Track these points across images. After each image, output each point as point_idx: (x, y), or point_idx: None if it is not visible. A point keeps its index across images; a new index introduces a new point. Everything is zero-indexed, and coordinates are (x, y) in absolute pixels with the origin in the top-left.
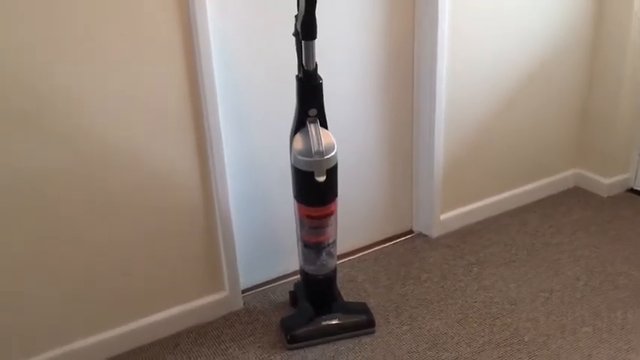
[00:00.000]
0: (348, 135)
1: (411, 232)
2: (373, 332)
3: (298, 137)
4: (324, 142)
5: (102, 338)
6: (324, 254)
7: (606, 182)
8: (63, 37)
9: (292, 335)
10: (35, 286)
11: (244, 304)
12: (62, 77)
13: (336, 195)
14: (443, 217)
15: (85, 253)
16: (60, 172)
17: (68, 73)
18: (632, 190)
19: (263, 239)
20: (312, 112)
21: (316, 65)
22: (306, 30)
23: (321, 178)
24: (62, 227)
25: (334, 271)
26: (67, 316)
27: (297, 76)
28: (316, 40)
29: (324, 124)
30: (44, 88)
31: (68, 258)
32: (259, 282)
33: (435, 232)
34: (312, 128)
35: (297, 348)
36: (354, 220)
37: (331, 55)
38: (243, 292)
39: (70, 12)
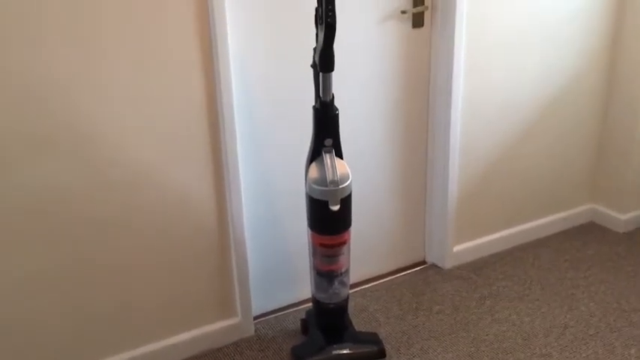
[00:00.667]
0: (362, 165)
1: (423, 262)
2: None
3: (314, 166)
4: (339, 171)
5: None
6: (336, 283)
7: (622, 218)
8: (82, 62)
9: None
10: (46, 308)
11: (256, 330)
12: (81, 101)
13: (349, 224)
14: (456, 248)
15: (97, 276)
16: (76, 194)
17: (86, 97)
18: None
19: (276, 266)
20: (328, 142)
21: (333, 96)
22: (324, 62)
23: (336, 208)
24: (75, 250)
25: (346, 300)
26: (77, 338)
27: (314, 107)
28: (333, 72)
29: (339, 154)
30: (63, 112)
31: (79, 280)
32: (271, 309)
33: (447, 264)
34: (327, 158)
35: None
36: (367, 249)
37: (347, 86)
38: (255, 318)
39: (89, 35)
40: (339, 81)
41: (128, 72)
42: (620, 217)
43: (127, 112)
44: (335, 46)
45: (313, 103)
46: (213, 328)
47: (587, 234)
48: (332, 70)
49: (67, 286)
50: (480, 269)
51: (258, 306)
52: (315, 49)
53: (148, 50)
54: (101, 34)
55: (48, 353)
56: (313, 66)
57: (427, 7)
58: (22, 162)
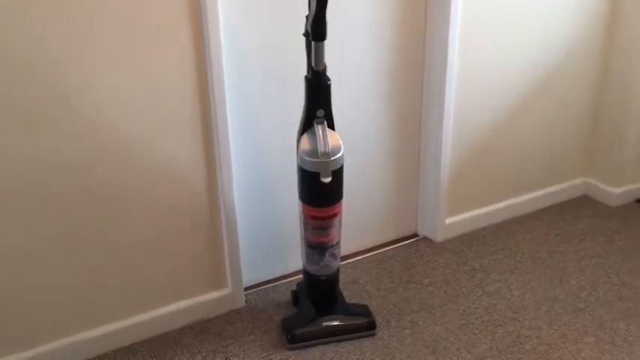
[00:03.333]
0: (354, 137)
1: (415, 235)
2: (374, 335)
3: (305, 138)
4: (330, 143)
5: (104, 331)
6: (327, 255)
7: (615, 192)
8: (75, 34)
9: (293, 335)
10: (40, 278)
11: (246, 302)
12: (67, 70)
13: (341, 196)
14: (448, 221)
15: (88, 248)
16: (66, 166)
17: (72, 66)
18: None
19: (267, 238)
20: (320, 112)
21: (325, 66)
22: (316, 31)
23: (327, 179)
24: (66, 221)
25: (337, 272)
26: (71, 308)
27: (305, 77)
28: (326, 42)
29: (331, 126)
30: (54, 84)
31: (72, 251)
32: (262, 280)
33: (439, 237)
34: (319, 129)
35: (297, 348)
36: (359, 221)
37: (341, 57)
38: (246, 290)
39: (82, 9)
40: (332, 51)
41: (115, 41)
42: (613, 191)
43: (115, 81)
44: (328, 14)
45: (305, 74)
46: (203, 299)
47: (580, 208)
48: (324, 38)
49: (57, 257)
50: (472, 242)
51: (248, 277)
52: (307, 17)
53: (135, 18)
54: (88, 3)
55: (41, 322)
56: (305, 34)
57: None
58: (6, 132)
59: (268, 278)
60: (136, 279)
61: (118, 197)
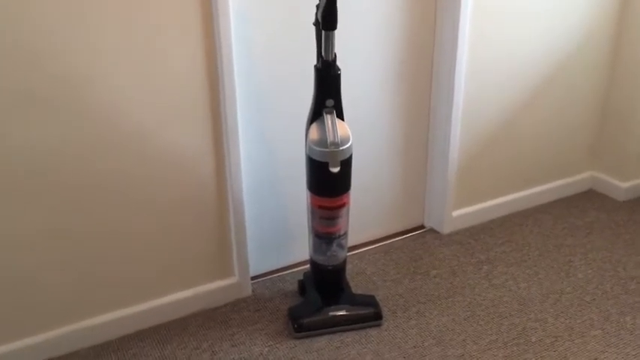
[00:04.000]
0: (363, 128)
1: (422, 227)
2: (380, 325)
3: (314, 127)
4: (339, 133)
5: (111, 318)
6: (334, 245)
7: (622, 186)
8: (82, 23)
9: (299, 324)
10: (50, 265)
11: (253, 291)
12: (74, 57)
13: (349, 187)
14: (455, 213)
15: (97, 235)
16: (69, 154)
17: (80, 53)
18: None
19: (274, 227)
20: (329, 102)
21: (335, 56)
22: (327, 20)
23: (336, 169)
24: (75, 208)
25: (344, 262)
26: (77, 294)
27: (315, 66)
28: (336, 31)
29: (340, 116)
30: (60, 71)
31: (81, 238)
32: (269, 270)
33: (446, 229)
34: (328, 119)
35: (303, 337)
36: (366, 213)
37: (350, 48)
38: (253, 279)
39: None
40: (342, 41)
41: (124, 28)
42: (620, 185)
43: (123, 70)
44: (339, 3)
45: (315, 63)
46: (210, 288)
47: (587, 201)
48: (335, 28)
49: (67, 244)
50: (479, 235)
51: (255, 267)
52: (317, 6)
53: (144, 6)
54: None
55: (51, 308)
56: (316, 24)
57: None
58: (11, 120)
59: (275, 268)
60: (144, 266)
61: (126, 186)
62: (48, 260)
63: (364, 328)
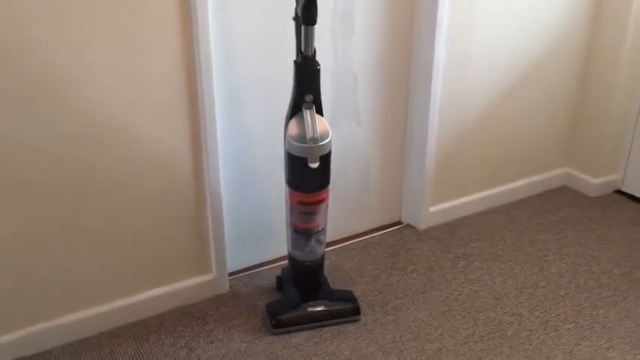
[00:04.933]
0: (341, 122)
1: (399, 223)
2: (358, 320)
3: (293, 122)
4: (319, 128)
5: (88, 315)
6: (313, 241)
7: (595, 182)
8: (62, 20)
9: (277, 320)
10: (24, 262)
11: (230, 287)
12: (56, 55)
13: (328, 182)
14: (432, 209)
15: (73, 231)
16: (50, 151)
17: (64, 55)
18: (619, 192)
19: (252, 223)
20: (309, 97)
21: (315, 51)
22: (307, 15)
23: (315, 165)
24: (49, 204)
25: (322, 257)
26: (54, 291)
27: (295, 61)
28: (315, 26)
29: (319, 111)
30: (38, 66)
31: (56, 235)
32: (246, 266)
33: (423, 224)
34: (307, 114)
35: (281, 333)
36: (344, 208)
37: (328, 42)
38: (230, 275)
39: None
40: (319, 35)
41: (101, 24)
42: (592, 182)
43: (100, 66)
44: None
45: (294, 58)
46: (187, 284)
47: (561, 197)
48: (314, 22)
49: (41, 239)
50: (455, 230)
51: (233, 263)
52: (297, 1)
53: (123, 4)
54: None
55: (26, 304)
56: (295, 19)
57: None
58: None
59: (253, 263)
60: (120, 263)
61: (102, 183)
62: (21, 257)
63: (342, 323)
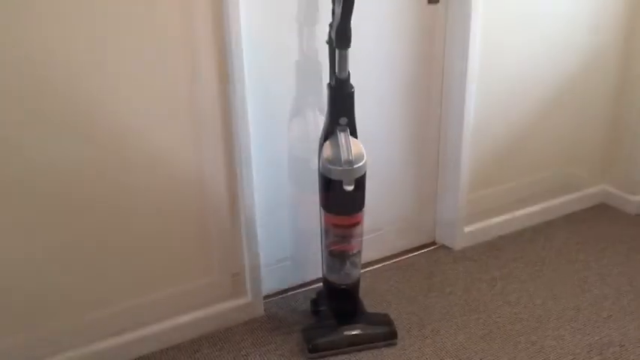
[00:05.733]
0: (374, 144)
1: (434, 243)
2: (395, 344)
3: (328, 145)
4: (353, 151)
5: (122, 341)
6: (348, 264)
7: (634, 200)
8: (83, 34)
9: (314, 344)
10: (47, 279)
11: (265, 310)
12: (83, 74)
13: (363, 204)
14: (467, 229)
15: (102, 252)
16: (83, 170)
17: (90, 72)
18: None
19: (287, 246)
20: (343, 120)
21: (349, 73)
22: (340, 38)
23: (350, 188)
24: (78, 228)
25: (358, 281)
26: (86, 317)
27: (328, 84)
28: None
29: (353, 133)
30: (60, 83)
31: (86, 255)
32: (281, 289)
33: (458, 245)
34: (342, 137)
35: (318, 357)
36: (378, 229)
37: (362, 64)
38: (265, 298)
39: (92, 7)
40: (353, 57)
41: (132, 48)
42: (631, 199)
43: (131, 88)
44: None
45: (328, 81)
46: (223, 308)
47: (599, 215)
48: (349, 46)
49: (69, 267)
50: (491, 251)
51: (268, 286)
52: (331, 25)
53: (149, 23)
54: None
55: (44, 334)
56: (329, 42)
57: None
58: (11, 136)
59: (287, 286)
60: (154, 287)
61: (135, 204)
62: (44, 273)
63: (379, 347)
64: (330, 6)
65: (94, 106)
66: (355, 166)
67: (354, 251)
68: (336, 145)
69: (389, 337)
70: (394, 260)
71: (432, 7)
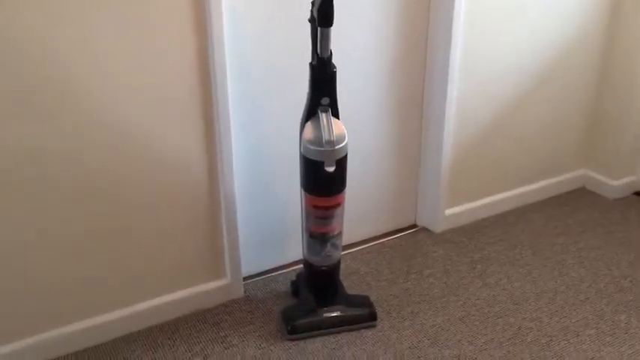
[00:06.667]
0: (356, 125)
1: (414, 226)
2: (375, 326)
3: (309, 126)
4: (335, 131)
5: (103, 321)
6: (329, 245)
7: (614, 184)
8: (70, 21)
9: (293, 326)
10: (38, 266)
11: (245, 292)
12: (68, 61)
13: (344, 186)
14: (448, 212)
15: (86, 236)
16: (60, 156)
17: (75, 58)
18: (638, 194)
19: (267, 227)
20: (325, 100)
21: (331, 53)
22: (323, 16)
23: (331, 168)
24: (63, 208)
25: (338, 262)
26: (68, 298)
27: (310, 64)
28: (331, 28)
29: (335, 114)
30: (52, 72)
31: (69, 238)
32: (261, 270)
33: (439, 228)
34: (323, 117)
35: (297, 339)
36: (359, 211)
37: (343, 44)
38: (245, 279)
39: None
40: (335, 37)
41: (115, 24)
42: (611, 183)
43: (114, 69)
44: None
45: (310, 61)
46: (202, 289)
47: (579, 200)
48: (331, 24)
49: (52, 247)
50: (471, 233)
51: (248, 267)
52: (313, 2)
53: (135, 6)
54: None
55: (38, 311)
56: (311, 20)
57: None
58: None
59: (267, 268)
60: (134, 268)
61: (116, 186)
62: (35, 261)
63: (359, 329)
64: None
65: (78, 89)
66: (337, 146)
67: (335, 233)
68: (318, 126)
69: (368, 318)
70: (375, 242)
71: None
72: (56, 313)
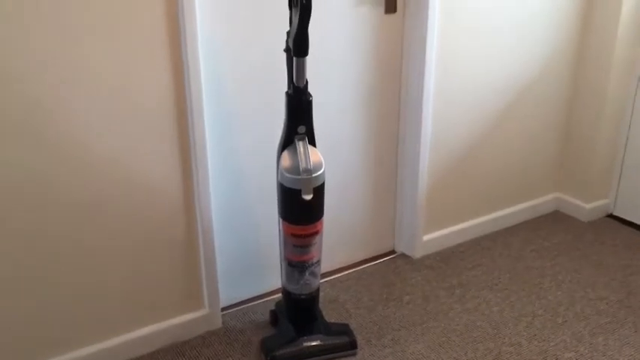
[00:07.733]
0: (332, 153)
1: (393, 252)
2: (355, 354)
3: (286, 154)
4: (312, 160)
5: (78, 355)
6: (307, 274)
7: (587, 207)
8: (48, 44)
9: (273, 356)
10: (10, 300)
11: (223, 322)
12: (44, 86)
13: (322, 214)
14: (426, 237)
15: (59, 266)
16: (36, 180)
17: (51, 82)
18: (611, 216)
19: (244, 256)
20: (301, 129)
21: (307, 82)
22: (298, 46)
23: (308, 197)
24: (38, 238)
25: (317, 290)
26: (39, 333)
27: (286, 93)
28: (307, 57)
29: (312, 142)
30: (25, 96)
31: (42, 271)
32: (239, 300)
33: (417, 253)
34: (300, 146)
35: None
36: (336, 239)
37: (320, 73)
38: (223, 310)
39: (57, 19)
40: (311, 66)
41: (90, 53)
42: (584, 206)
43: (91, 93)
44: (309, 30)
45: (286, 90)
46: (179, 321)
47: (553, 223)
48: (306, 54)
49: (25, 277)
50: (449, 259)
51: (226, 297)
52: (288, 33)
53: (115, 31)
54: (67, 15)
55: (7, 348)
56: (287, 50)
57: None
58: None
59: (246, 297)
60: (109, 301)
61: (89, 212)
62: (7, 294)
63: (339, 357)
64: (288, 14)
65: (54, 114)
66: (314, 174)
67: (314, 260)
68: (295, 154)
69: (349, 347)
70: (353, 270)
71: (390, 16)
72: (21, 349)
